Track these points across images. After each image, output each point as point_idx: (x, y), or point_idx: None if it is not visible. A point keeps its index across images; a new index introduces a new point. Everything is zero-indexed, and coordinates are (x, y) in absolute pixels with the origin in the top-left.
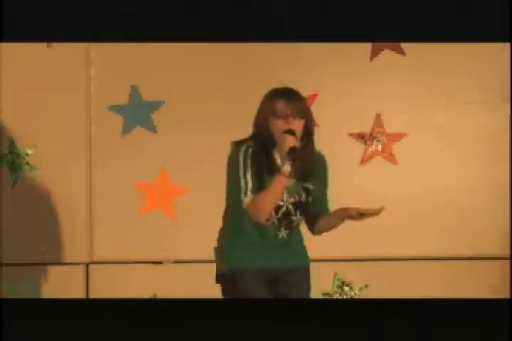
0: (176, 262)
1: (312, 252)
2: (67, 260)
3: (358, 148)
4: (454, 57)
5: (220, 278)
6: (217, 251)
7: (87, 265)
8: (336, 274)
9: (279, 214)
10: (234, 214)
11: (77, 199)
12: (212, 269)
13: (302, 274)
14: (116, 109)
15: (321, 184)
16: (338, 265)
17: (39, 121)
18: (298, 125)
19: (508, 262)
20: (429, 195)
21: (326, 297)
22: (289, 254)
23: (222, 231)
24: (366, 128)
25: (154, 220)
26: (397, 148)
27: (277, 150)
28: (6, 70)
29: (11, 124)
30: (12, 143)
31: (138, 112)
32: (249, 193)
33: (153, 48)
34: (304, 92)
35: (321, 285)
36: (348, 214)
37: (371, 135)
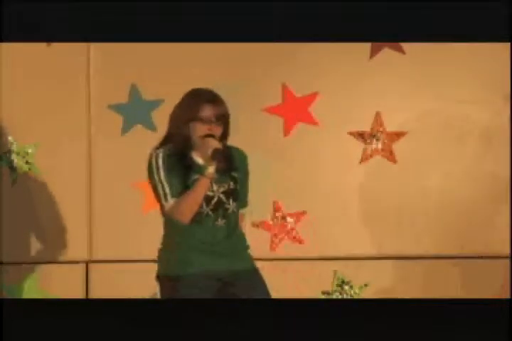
0: None
1: (312, 251)
2: (67, 259)
3: (357, 147)
4: (454, 57)
5: (159, 279)
6: (160, 252)
7: (87, 264)
8: (335, 273)
9: (211, 205)
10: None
11: (77, 197)
12: None
13: (249, 278)
14: (115, 108)
15: (242, 176)
16: (338, 264)
17: (39, 120)
18: (219, 130)
19: (508, 262)
20: (429, 193)
21: (326, 295)
22: (232, 256)
23: (164, 231)
24: (366, 127)
25: (154, 219)
26: (396, 146)
27: (197, 153)
28: (6, 70)
29: (11, 123)
30: (12, 142)
31: (138, 111)
32: (169, 198)
33: (153, 48)
34: (304, 91)
35: (320, 283)
36: None
37: (371, 134)
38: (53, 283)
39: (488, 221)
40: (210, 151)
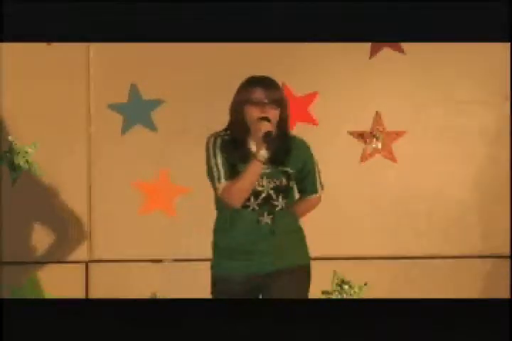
0: (175, 261)
1: (311, 251)
2: (67, 259)
3: (357, 147)
4: (454, 57)
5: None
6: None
7: (87, 264)
8: (335, 273)
9: (259, 200)
10: (219, 205)
11: (77, 197)
12: None
13: (294, 274)
14: (115, 107)
15: (306, 166)
16: (338, 263)
17: (39, 119)
18: (273, 113)
19: (508, 262)
20: (429, 193)
21: (325, 295)
22: (273, 247)
23: (216, 221)
24: (366, 126)
25: (154, 219)
26: (396, 146)
27: (252, 137)
28: (6, 70)
29: (11, 123)
30: (12, 141)
31: (137, 111)
32: (222, 180)
33: (153, 48)
34: (304, 91)
35: (320, 283)
36: None
37: (371, 133)
38: (53, 283)
39: (488, 221)
40: (261, 134)
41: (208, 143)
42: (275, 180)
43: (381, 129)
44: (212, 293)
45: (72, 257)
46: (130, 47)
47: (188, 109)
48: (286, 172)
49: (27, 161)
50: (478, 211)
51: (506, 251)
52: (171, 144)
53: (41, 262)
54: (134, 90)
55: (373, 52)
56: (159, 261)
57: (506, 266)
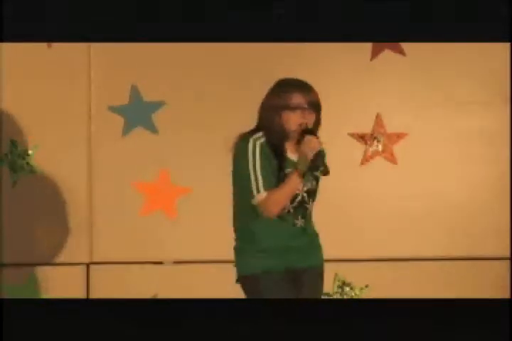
0: (176, 262)
1: None
2: (67, 260)
3: (358, 149)
4: (454, 57)
5: (239, 280)
6: (236, 251)
7: (88, 265)
8: (336, 274)
9: (295, 203)
10: (246, 212)
11: (78, 199)
12: (212, 269)
13: (317, 274)
14: (116, 109)
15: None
16: (339, 265)
17: (39, 121)
18: (311, 118)
19: (508, 262)
20: (429, 195)
21: (327, 297)
22: (306, 248)
23: (237, 231)
24: (367, 128)
25: (154, 220)
26: (397, 148)
27: (291, 145)
28: (7, 70)
29: (11, 124)
30: (12, 143)
31: (138, 112)
32: (261, 189)
33: (153, 48)
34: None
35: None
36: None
37: (372, 135)
38: (54, 284)
39: (489, 222)
40: (312, 152)
41: (244, 145)
42: (308, 184)
43: (382, 131)
44: (247, 293)
45: (73, 259)
46: (131, 48)
47: (189, 111)
48: (316, 176)
49: (28, 163)
50: (478, 212)
51: (506, 252)
52: (172, 145)
53: (42, 264)
54: (134, 92)
55: (374, 54)
56: (160, 263)
57: (506, 266)
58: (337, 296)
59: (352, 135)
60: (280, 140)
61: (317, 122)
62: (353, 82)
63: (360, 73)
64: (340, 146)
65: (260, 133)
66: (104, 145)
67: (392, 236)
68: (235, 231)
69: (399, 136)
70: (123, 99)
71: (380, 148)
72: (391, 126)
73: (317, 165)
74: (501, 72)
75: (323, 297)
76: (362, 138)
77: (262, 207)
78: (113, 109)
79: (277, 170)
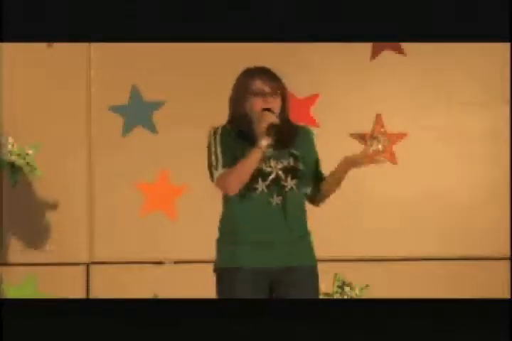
0: (176, 262)
1: None
2: (67, 260)
3: (358, 149)
4: (454, 57)
5: (214, 271)
6: (217, 242)
7: (88, 265)
8: (336, 274)
9: (268, 181)
10: (224, 201)
11: (78, 199)
12: (212, 269)
13: (305, 274)
14: (116, 109)
15: (310, 152)
16: (339, 265)
17: (39, 121)
18: (276, 103)
19: (508, 262)
20: (430, 195)
21: (326, 297)
22: (287, 219)
23: (220, 222)
24: (367, 128)
25: (154, 220)
26: (397, 148)
27: (254, 127)
28: (6, 70)
29: (11, 124)
30: (12, 143)
31: (138, 112)
32: (219, 168)
33: (153, 48)
34: (305, 93)
35: (321, 285)
36: (354, 161)
37: (372, 135)
38: (54, 284)
39: (489, 222)
40: (265, 125)
41: (209, 135)
42: (283, 161)
43: (382, 131)
44: (220, 291)
45: (73, 259)
46: (130, 48)
47: (189, 111)
48: (293, 153)
49: (28, 163)
50: (478, 212)
51: (506, 252)
52: (172, 145)
53: (42, 264)
54: (134, 91)
55: (374, 54)
56: (160, 263)
57: (506, 266)
58: (337, 296)
59: (352, 135)
60: (245, 126)
61: (284, 107)
62: (353, 82)
63: (360, 73)
64: (341, 146)
65: (227, 124)
66: (104, 145)
67: (392, 236)
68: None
69: (399, 136)
70: (123, 98)
71: (380, 148)
72: (391, 126)
73: (285, 140)
74: (501, 72)
75: (322, 297)
76: (362, 138)
77: (219, 184)
78: (113, 109)
79: (241, 152)
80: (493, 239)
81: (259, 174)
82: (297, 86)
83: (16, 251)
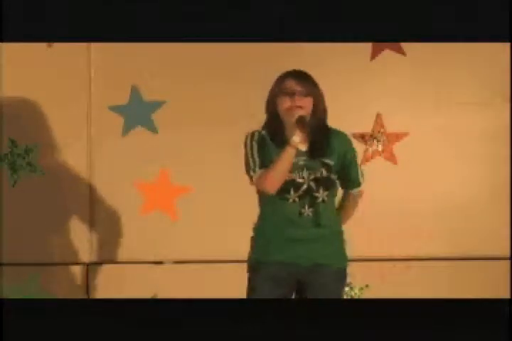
0: (176, 262)
1: None
2: (67, 260)
3: (358, 148)
4: (454, 57)
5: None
6: (252, 238)
7: (88, 265)
8: None
9: (300, 192)
10: (263, 202)
11: (78, 199)
12: (212, 269)
13: (332, 276)
14: (116, 109)
15: (346, 159)
16: None
17: (40, 121)
18: (305, 101)
19: (508, 262)
20: (430, 195)
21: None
22: (318, 229)
23: (258, 218)
24: (367, 128)
25: (154, 220)
26: (397, 148)
27: (286, 127)
28: (7, 70)
29: (11, 124)
30: (12, 143)
31: (138, 112)
32: (257, 169)
33: (153, 48)
34: None
35: None
36: None
37: (372, 135)
38: (54, 284)
39: (489, 222)
40: (294, 119)
41: (245, 139)
42: (315, 172)
43: (382, 131)
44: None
45: (73, 259)
46: (131, 48)
47: (189, 111)
48: (326, 163)
49: (28, 162)
50: (478, 211)
51: (506, 252)
52: (172, 145)
53: (42, 264)
54: (134, 91)
55: (374, 54)
56: (160, 263)
57: (506, 266)
58: None
59: (352, 135)
60: (277, 126)
61: (321, 108)
62: (353, 82)
63: (360, 73)
64: None
65: (263, 128)
66: (104, 145)
67: (392, 236)
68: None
69: (399, 136)
70: (123, 98)
71: (380, 147)
72: (391, 126)
73: (318, 149)
74: (501, 72)
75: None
76: (362, 137)
77: (258, 184)
78: (113, 109)
79: (275, 153)
80: (493, 239)
81: (291, 185)
82: None
83: (16, 251)
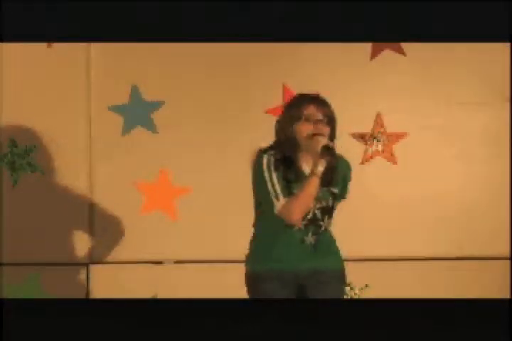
0: (176, 262)
1: None
2: (67, 260)
3: (358, 148)
4: (454, 57)
5: (245, 279)
6: (247, 255)
7: (88, 265)
8: None
9: (305, 220)
10: (263, 221)
11: (77, 199)
12: (212, 269)
13: (331, 277)
14: (116, 109)
15: (344, 184)
16: None
17: (39, 121)
18: (325, 130)
19: (508, 262)
20: (429, 194)
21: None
22: (317, 257)
23: (252, 237)
24: (367, 128)
25: (154, 220)
26: (397, 148)
27: (303, 155)
28: (6, 70)
29: (11, 124)
30: (12, 143)
31: (138, 112)
32: (281, 197)
33: (153, 48)
34: (305, 92)
35: None
36: None
37: (372, 135)
38: (54, 284)
39: (489, 222)
40: (318, 148)
41: (259, 160)
42: (322, 201)
43: (382, 131)
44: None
45: (73, 259)
46: (131, 48)
47: (189, 111)
48: (333, 193)
49: (28, 162)
50: (478, 211)
51: (506, 252)
52: (171, 145)
53: (42, 263)
54: (134, 91)
55: (374, 54)
56: (160, 263)
57: (506, 266)
58: None
59: (352, 135)
60: (293, 152)
61: (332, 135)
62: (353, 82)
63: (360, 73)
64: (341, 146)
65: (275, 149)
66: (104, 145)
67: (392, 235)
68: (253, 236)
69: (399, 136)
70: (123, 98)
71: (380, 147)
72: (391, 126)
73: (328, 178)
74: (501, 72)
75: None
76: (362, 137)
77: (283, 214)
78: (113, 109)
79: (293, 182)
80: (493, 239)
81: None
82: (296, 85)
83: (16, 251)
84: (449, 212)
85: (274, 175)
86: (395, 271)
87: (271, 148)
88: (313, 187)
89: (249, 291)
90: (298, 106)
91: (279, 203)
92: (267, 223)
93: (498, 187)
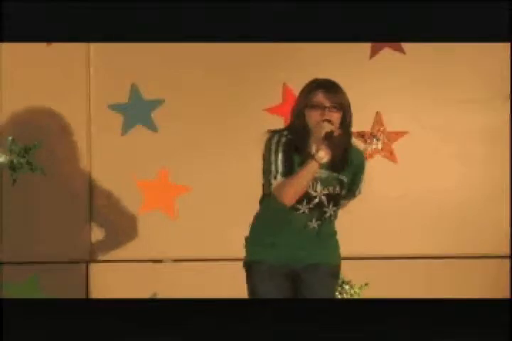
0: (175, 261)
1: None
2: (67, 259)
3: (358, 147)
4: (454, 57)
5: (244, 266)
6: (247, 238)
7: (87, 264)
8: None
9: (311, 205)
10: (266, 201)
11: (77, 198)
12: (211, 267)
13: (327, 273)
14: (116, 107)
15: (357, 176)
16: None
17: (39, 119)
18: (335, 117)
19: (508, 261)
20: (429, 193)
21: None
22: (315, 249)
23: (255, 217)
24: (366, 126)
25: (154, 219)
26: (397, 146)
27: (312, 140)
28: (6, 70)
29: (11, 123)
30: (12, 142)
31: (138, 111)
32: (278, 176)
33: (153, 48)
34: None
35: None
36: None
37: (371, 134)
38: (54, 283)
39: (488, 221)
40: (322, 134)
41: (270, 139)
42: (329, 187)
43: (381, 129)
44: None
45: (73, 258)
46: (130, 47)
47: (189, 109)
48: (341, 180)
49: (27, 161)
50: (478, 211)
51: (506, 251)
52: (171, 144)
53: (42, 262)
54: (134, 90)
55: (374, 52)
56: (159, 261)
57: (506, 266)
58: (336, 294)
59: (352, 133)
60: (302, 137)
61: (346, 122)
62: (352, 81)
63: (359, 71)
64: None
65: (286, 132)
66: (104, 144)
67: (392, 234)
68: (256, 215)
69: (398, 135)
70: (123, 97)
71: (379, 146)
72: (391, 125)
73: (337, 165)
74: (501, 72)
75: None
76: (362, 136)
77: (277, 193)
78: (113, 108)
79: (298, 166)
80: (493, 238)
81: (304, 196)
82: (296, 84)
83: (16, 250)
84: (448, 211)
85: (279, 155)
86: (395, 269)
87: (283, 130)
88: (309, 171)
89: (247, 276)
90: (308, 92)
91: (276, 182)
92: (271, 205)
93: (497, 186)
